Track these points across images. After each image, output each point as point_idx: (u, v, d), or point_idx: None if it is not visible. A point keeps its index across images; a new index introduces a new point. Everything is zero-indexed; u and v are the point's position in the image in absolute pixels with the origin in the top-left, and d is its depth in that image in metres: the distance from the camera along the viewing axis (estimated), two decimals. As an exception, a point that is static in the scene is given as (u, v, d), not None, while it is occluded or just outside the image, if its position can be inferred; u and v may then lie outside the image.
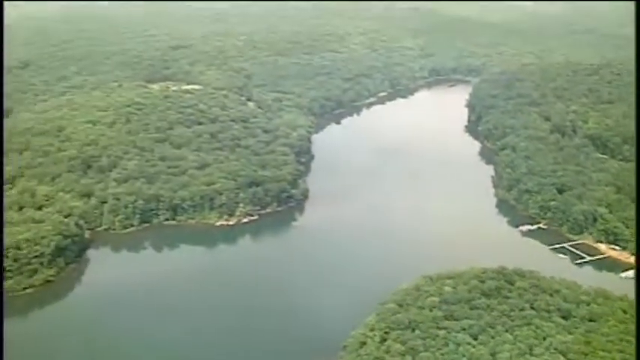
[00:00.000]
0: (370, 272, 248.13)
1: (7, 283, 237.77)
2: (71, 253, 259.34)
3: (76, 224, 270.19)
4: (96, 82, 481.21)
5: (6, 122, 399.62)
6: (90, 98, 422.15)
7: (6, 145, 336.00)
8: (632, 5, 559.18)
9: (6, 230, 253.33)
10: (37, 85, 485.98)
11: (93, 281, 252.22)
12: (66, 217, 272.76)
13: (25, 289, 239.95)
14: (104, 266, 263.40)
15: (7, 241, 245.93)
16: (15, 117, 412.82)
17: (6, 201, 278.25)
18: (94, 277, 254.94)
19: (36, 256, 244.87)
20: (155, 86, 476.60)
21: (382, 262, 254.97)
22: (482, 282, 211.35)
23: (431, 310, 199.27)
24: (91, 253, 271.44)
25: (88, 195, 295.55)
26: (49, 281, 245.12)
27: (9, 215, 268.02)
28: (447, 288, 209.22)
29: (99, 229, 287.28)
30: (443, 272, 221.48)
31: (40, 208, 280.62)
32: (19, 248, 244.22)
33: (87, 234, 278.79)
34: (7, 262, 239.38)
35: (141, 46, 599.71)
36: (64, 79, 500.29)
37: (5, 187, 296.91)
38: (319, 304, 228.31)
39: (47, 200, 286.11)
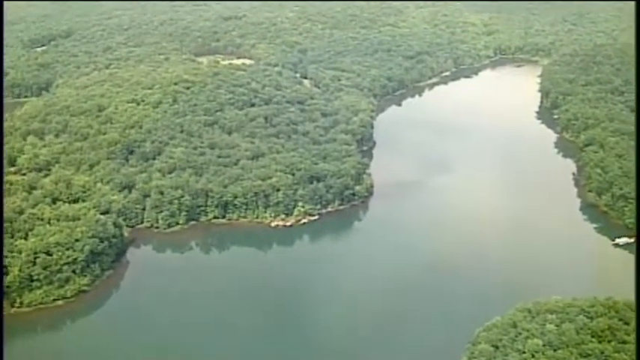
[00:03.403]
0: (450, 294, 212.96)
1: (35, 294, 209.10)
2: (108, 257, 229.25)
3: (114, 224, 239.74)
4: (142, 54, 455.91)
5: (44, 98, 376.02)
6: (134, 73, 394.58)
7: (43, 125, 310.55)
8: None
9: (35, 230, 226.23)
10: (80, 57, 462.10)
11: (131, 290, 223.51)
12: (103, 213, 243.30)
13: (55, 300, 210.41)
14: (145, 271, 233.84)
15: (37, 244, 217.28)
16: (54, 92, 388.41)
17: (38, 192, 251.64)
18: (132, 284, 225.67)
19: (68, 263, 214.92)
20: (204, 60, 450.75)
21: (463, 282, 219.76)
22: (591, 319, 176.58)
23: (533, 356, 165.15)
24: (130, 254, 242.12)
25: (129, 187, 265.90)
26: (82, 291, 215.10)
27: (41, 209, 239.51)
28: (549, 326, 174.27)
29: (140, 226, 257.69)
30: (542, 302, 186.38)
31: (75, 201, 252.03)
32: (49, 253, 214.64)
33: (126, 232, 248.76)
34: (35, 270, 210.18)
35: (190, 15, 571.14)
36: (108, 50, 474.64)
37: (39, 174, 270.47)
38: (390, 335, 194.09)
39: (84, 192, 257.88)
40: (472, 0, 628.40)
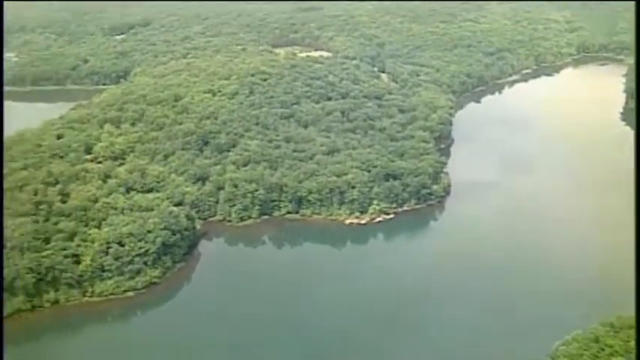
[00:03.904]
0: (525, 303, 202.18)
1: (106, 284, 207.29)
2: (180, 250, 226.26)
3: (187, 216, 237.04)
4: (219, 44, 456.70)
5: (122, 86, 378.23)
6: (211, 63, 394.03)
7: (120, 114, 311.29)
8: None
9: (108, 219, 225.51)
10: (158, 45, 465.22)
11: (202, 283, 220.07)
12: (176, 205, 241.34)
13: (125, 291, 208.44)
14: (216, 265, 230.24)
15: (110, 234, 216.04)
16: (132, 80, 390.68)
17: (114, 181, 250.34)
18: (203, 278, 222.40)
19: (139, 254, 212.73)
20: (281, 51, 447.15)
21: (539, 289, 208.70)
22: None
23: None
24: (202, 247, 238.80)
25: (202, 179, 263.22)
26: (153, 283, 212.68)
27: (115, 199, 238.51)
28: (634, 342, 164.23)
29: (212, 219, 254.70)
30: (625, 317, 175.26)
31: (149, 191, 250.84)
32: (121, 244, 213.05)
33: (199, 224, 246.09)
34: (107, 260, 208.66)
35: (268, 6, 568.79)
36: (186, 39, 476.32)
37: (114, 163, 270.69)
38: (460, 342, 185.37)
39: (158, 182, 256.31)
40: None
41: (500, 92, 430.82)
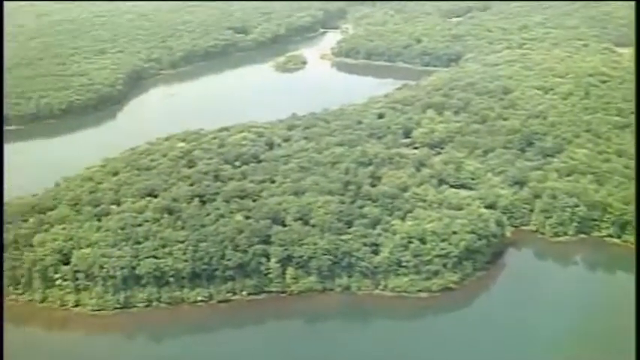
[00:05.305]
0: None
1: (400, 280, 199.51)
2: (483, 257, 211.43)
3: (497, 222, 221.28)
4: (558, 37, 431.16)
5: (452, 70, 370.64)
6: (547, 57, 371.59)
7: (444, 100, 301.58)
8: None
9: (414, 212, 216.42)
10: (494, 32, 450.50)
11: (502, 296, 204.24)
12: (488, 207, 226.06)
13: (418, 291, 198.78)
14: (520, 279, 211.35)
15: (414, 228, 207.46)
16: (462, 66, 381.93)
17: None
18: (504, 291, 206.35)
19: (440, 256, 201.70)
20: (625, 51, 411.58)
21: None
22: None
23: None
24: (508, 256, 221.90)
25: (520, 183, 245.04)
26: (448, 288, 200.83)
27: (425, 190, 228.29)
28: None
29: (524, 228, 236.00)
30: None
31: (461, 187, 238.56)
32: (423, 241, 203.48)
33: (508, 232, 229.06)
34: (405, 256, 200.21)
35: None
36: (524, 28, 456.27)
37: (431, 151, 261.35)
38: None
39: (472, 179, 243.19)
40: None
41: None
